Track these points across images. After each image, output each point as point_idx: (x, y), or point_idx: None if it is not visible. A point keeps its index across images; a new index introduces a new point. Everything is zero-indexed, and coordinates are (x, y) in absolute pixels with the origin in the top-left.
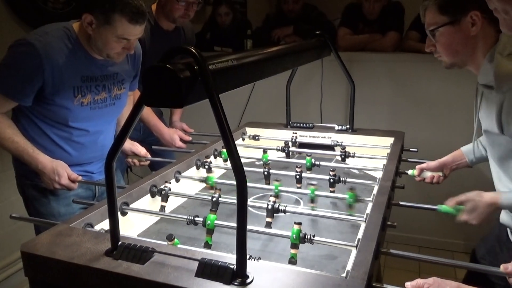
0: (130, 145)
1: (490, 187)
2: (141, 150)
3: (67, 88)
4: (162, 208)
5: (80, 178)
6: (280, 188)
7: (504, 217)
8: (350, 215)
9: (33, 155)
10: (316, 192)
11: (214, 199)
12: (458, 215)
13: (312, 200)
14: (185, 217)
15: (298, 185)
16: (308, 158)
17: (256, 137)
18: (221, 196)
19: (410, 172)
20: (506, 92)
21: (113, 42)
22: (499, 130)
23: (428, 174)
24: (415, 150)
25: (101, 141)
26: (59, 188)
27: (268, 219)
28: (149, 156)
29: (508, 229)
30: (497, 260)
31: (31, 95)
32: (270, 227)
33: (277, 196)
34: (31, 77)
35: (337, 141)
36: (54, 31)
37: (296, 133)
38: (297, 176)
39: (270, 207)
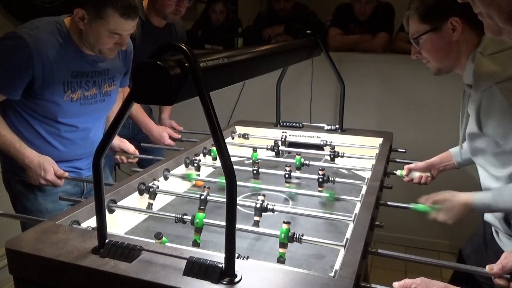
0: (119, 141)
1: (477, 188)
2: (130, 147)
3: (57, 83)
4: (149, 205)
5: (66, 174)
6: (260, 186)
7: (488, 215)
8: (330, 213)
9: (20, 149)
10: (296, 190)
11: (202, 197)
12: (432, 213)
13: (292, 198)
14: (174, 215)
15: (287, 185)
16: (298, 157)
17: (246, 136)
18: (210, 194)
19: (398, 172)
20: (483, 91)
21: (105, 37)
22: (478, 129)
23: (416, 175)
24: (403, 150)
25: (91, 138)
26: (44, 183)
27: (256, 218)
28: (137, 153)
29: (492, 227)
30: (483, 259)
31: (20, 89)
32: (258, 226)
33: (258, 194)
34: (20, 71)
35: (326, 141)
36: (45, 25)
37: (285, 132)
38: (286, 175)
39: (258, 206)
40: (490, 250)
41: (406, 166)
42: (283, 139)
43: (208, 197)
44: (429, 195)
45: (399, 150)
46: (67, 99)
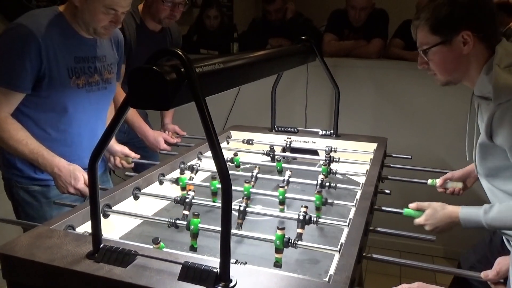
0: (121, 148)
1: (484, 200)
2: (131, 152)
3: (62, 69)
4: (184, 216)
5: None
6: (256, 190)
7: None
8: (318, 217)
9: (49, 157)
10: (291, 195)
11: (187, 200)
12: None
13: (281, 203)
14: (167, 219)
15: (285, 188)
16: (278, 162)
17: (250, 142)
18: (197, 197)
19: (429, 181)
20: (503, 103)
21: (101, 13)
22: (489, 138)
23: (449, 185)
24: (409, 157)
25: (96, 136)
26: (73, 192)
27: (239, 221)
28: (138, 157)
29: (503, 236)
30: (489, 269)
31: (31, 80)
32: (241, 229)
33: (248, 198)
34: (30, 59)
35: (326, 146)
36: (42, 12)
37: (290, 138)
38: (285, 180)
39: (242, 208)
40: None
41: (442, 177)
42: (287, 145)
43: (193, 200)
44: (419, 202)
45: (405, 156)
46: (73, 86)
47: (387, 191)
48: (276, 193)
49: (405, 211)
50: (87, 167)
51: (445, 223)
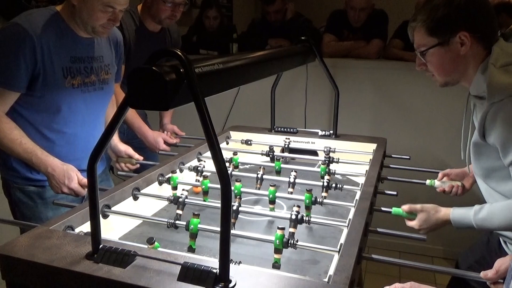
0: (125, 148)
1: (483, 201)
2: (135, 153)
3: (57, 69)
4: (178, 216)
5: None
6: (256, 191)
7: None
8: (308, 216)
9: (43, 157)
10: (290, 196)
11: (180, 199)
12: (409, 218)
13: (272, 202)
14: (166, 220)
15: (291, 190)
16: (277, 162)
17: (249, 142)
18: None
19: (428, 182)
20: (496, 102)
21: (99, 11)
22: (482, 137)
23: (447, 184)
24: (408, 157)
25: (93, 137)
26: (67, 192)
27: (232, 220)
28: (141, 159)
29: (500, 238)
30: (487, 269)
31: (26, 79)
32: (234, 228)
33: (239, 197)
34: (24, 57)
35: (325, 147)
36: (38, 12)
37: (289, 138)
38: (291, 181)
39: (235, 208)
40: (496, 260)
41: (441, 172)
42: (286, 145)
43: (186, 200)
44: (411, 205)
45: (403, 156)
46: (68, 86)
47: (393, 192)
48: (279, 194)
49: (394, 210)
50: (83, 167)
51: (439, 227)
